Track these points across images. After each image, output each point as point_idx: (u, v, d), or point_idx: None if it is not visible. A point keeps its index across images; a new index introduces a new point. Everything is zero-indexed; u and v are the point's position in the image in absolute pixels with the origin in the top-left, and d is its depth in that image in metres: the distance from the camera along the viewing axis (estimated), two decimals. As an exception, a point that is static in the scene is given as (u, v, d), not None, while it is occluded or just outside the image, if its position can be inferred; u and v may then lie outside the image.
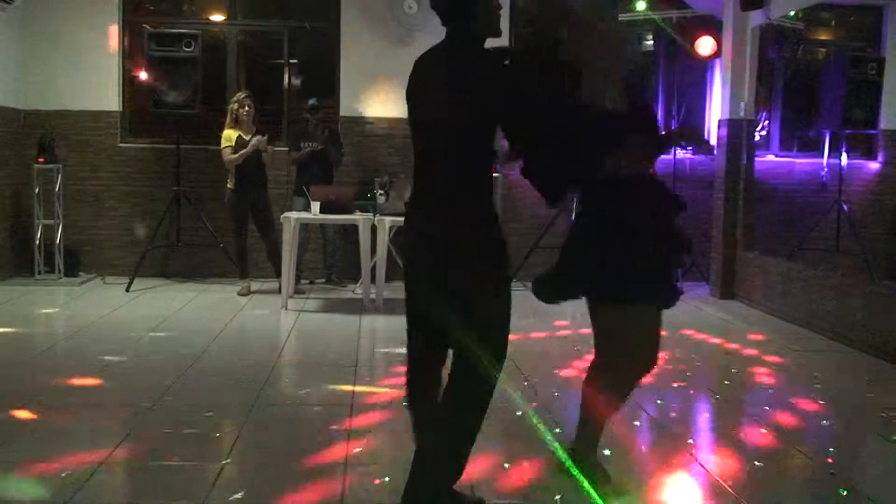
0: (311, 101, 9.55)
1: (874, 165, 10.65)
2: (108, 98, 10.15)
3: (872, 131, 10.22)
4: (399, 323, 8.05)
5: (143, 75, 9.78)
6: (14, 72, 9.81)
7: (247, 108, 9.07)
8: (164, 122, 9.92)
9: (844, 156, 10.09)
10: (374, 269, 8.63)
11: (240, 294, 9.10)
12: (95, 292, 9.24)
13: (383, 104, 10.02)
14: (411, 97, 3.67)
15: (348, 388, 5.63)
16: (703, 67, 10.53)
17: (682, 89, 10.64)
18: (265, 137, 8.98)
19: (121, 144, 10.22)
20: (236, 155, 8.92)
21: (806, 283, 8.12)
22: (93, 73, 10.10)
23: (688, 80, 10.64)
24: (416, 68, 3.67)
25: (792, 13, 9.15)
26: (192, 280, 9.94)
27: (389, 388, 5.65)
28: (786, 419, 5.18)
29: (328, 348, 6.83)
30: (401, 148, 9.81)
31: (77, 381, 5.70)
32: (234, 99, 9.18)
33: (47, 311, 8.28)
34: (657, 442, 4.81)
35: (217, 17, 10.62)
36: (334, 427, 4.78)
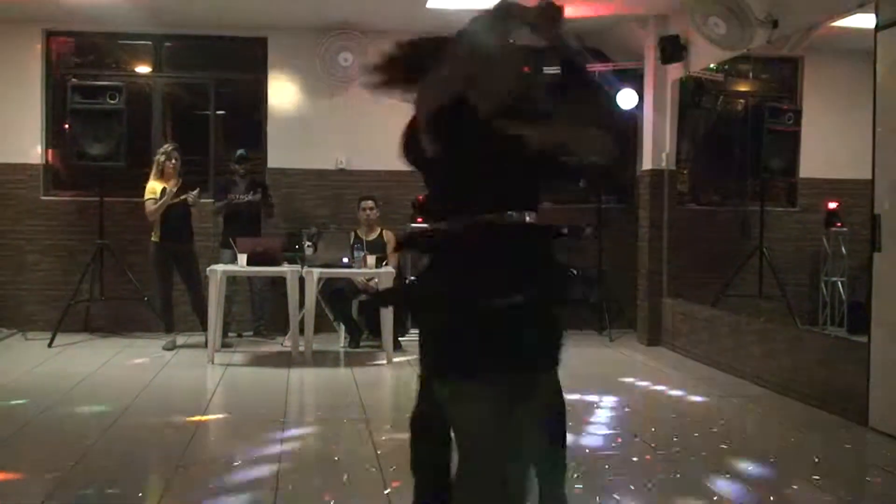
0: (240, 152, 9.52)
1: (794, 212, 10.90)
2: (31, 151, 10.00)
3: (792, 180, 10.46)
4: (327, 375, 8.02)
5: (66, 127, 9.66)
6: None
7: (173, 160, 9.00)
8: (87, 174, 9.79)
9: (764, 204, 10.30)
10: (302, 321, 8.57)
11: (165, 348, 8.96)
12: (16, 348, 9.02)
13: (311, 156, 10.02)
14: None
15: (275, 447, 5.56)
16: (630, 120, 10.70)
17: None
18: (197, 192, 8.91)
19: (43, 197, 10.06)
20: (157, 205, 8.83)
21: (730, 328, 8.26)
22: (14, 126, 9.95)
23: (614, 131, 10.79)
24: None
25: (711, 66, 9.37)
26: (116, 335, 9.76)
27: (318, 442, 5.59)
28: (710, 465, 5.23)
29: (256, 402, 6.75)
30: (329, 199, 9.81)
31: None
32: (161, 151, 9.10)
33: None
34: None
35: (142, 69, 10.56)
36: (262, 484, 4.71)
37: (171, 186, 8.95)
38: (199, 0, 9.11)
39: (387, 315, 8.60)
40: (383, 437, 5.84)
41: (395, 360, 8.57)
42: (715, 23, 7.67)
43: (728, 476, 5.04)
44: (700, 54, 8.88)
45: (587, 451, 5.51)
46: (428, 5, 9.07)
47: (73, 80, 9.70)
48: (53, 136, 10.19)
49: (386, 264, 8.98)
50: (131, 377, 7.59)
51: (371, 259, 8.74)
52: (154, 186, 8.95)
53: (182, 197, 8.85)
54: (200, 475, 4.93)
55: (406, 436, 5.86)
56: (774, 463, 5.34)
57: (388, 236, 9.43)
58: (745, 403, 7.05)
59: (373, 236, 9.40)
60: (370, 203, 9.45)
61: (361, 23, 9.79)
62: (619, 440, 5.83)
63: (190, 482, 4.79)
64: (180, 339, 9.22)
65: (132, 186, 9.61)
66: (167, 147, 9.13)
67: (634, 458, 5.39)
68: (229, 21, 9.81)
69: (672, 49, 9.11)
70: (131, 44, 10.59)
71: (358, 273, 8.85)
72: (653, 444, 5.74)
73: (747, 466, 5.25)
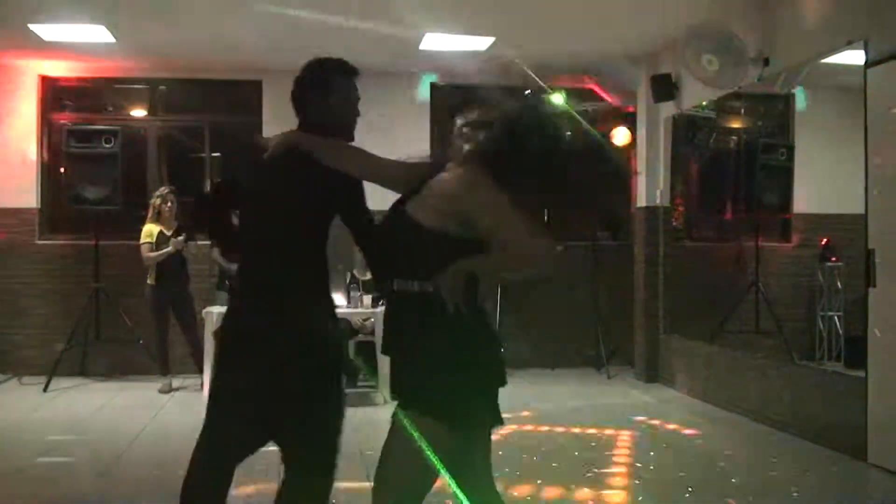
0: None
1: (788, 247, 10.93)
2: (26, 195, 10.02)
3: (786, 215, 10.50)
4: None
5: (61, 171, 9.69)
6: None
7: (170, 203, 9.02)
8: (83, 218, 9.79)
9: (759, 239, 10.33)
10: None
11: (161, 392, 8.92)
12: (11, 393, 8.98)
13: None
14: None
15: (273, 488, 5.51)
16: (624, 157, 10.76)
17: (601, 178, 10.82)
18: (183, 238, 8.92)
19: (39, 242, 10.06)
20: (154, 254, 8.83)
21: (727, 364, 8.26)
22: (10, 170, 9.97)
23: (607, 169, 10.83)
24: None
25: (703, 103, 9.44)
26: (112, 378, 9.72)
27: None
28: (709, 502, 5.21)
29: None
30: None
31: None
32: (157, 194, 9.12)
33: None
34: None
35: (137, 113, 10.60)
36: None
37: (167, 229, 8.96)
38: (194, 44, 9.16)
39: (383, 356, 8.56)
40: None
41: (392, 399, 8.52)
42: (708, 60, 7.72)
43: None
44: (692, 92, 8.94)
45: (585, 489, 5.48)
46: (421, 47, 9.14)
47: (69, 124, 9.74)
48: (49, 180, 10.21)
49: (382, 304, 8.96)
50: (127, 422, 7.54)
51: (367, 299, 8.74)
52: (150, 230, 8.96)
53: (168, 249, 8.83)
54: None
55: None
56: (773, 499, 5.31)
57: (385, 276, 9.42)
58: (743, 440, 7.03)
59: (368, 276, 9.38)
60: (365, 244, 9.42)
61: (356, 65, 9.82)
62: (617, 477, 5.79)
63: None
64: (176, 382, 9.18)
65: (128, 230, 9.62)
66: (163, 190, 9.15)
67: (631, 495, 5.36)
68: (224, 65, 9.86)
69: (664, 87, 9.18)
70: (126, 88, 10.64)
71: (354, 313, 8.84)
72: (650, 481, 5.71)
73: (746, 503, 5.22)
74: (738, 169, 10.30)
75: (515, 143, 3.14)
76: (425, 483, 3.20)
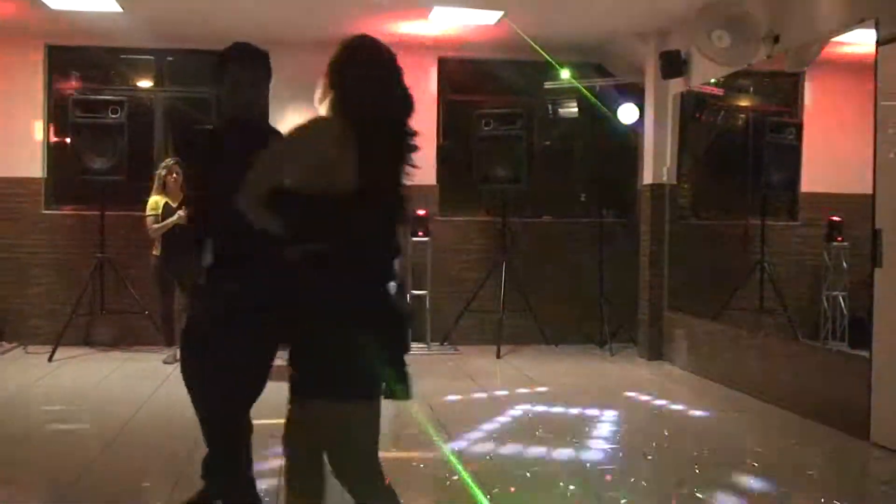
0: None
1: (795, 226, 10.90)
2: (32, 165, 10.01)
3: (792, 194, 10.47)
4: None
5: (67, 142, 9.67)
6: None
7: (175, 175, 9.00)
8: (89, 188, 9.79)
9: (765, 218, 10.31)
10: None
11: (165, 362, 8.93)
12: (17, 362, 9.01)
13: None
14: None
15: (275, 461, 5.53)
16: (631, 134, 10.71)
17: (608, 156, 10.82)
18: (185, 211, 8.91)
19: (44, 211, 10.06)
20: (158, 226, 8.83)
21: (731, 342, 8.26)
22: (16, 140, 9.96)
23: (614, 146, 10.82)
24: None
25: (712, 80, 9.39)
26: (117, 348, 9.75)
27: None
28: (711, 479, 5.22)
29: (256, 416, 6.72)
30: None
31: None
32: (163, 165, 9.10)
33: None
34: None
35: (144, 84, 10.58)
36: (266, 499, 4.69)
37: (173, 201, 8.96)
38: (201, 15, 9.12)
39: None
40: (382, 453, 5.82)
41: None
42: (718, 36, 7.68)
43: (728, 490, 5.03)
44: (701, 69, 8.89)
45: (588, 465, 5.50)
46: (430, 19, 9.10)
47: (75, 94, 9.72)
48: (55, 150, 10.20)
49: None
50: (131, 391, 7.57)
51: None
52: (156, 201, 8.95)
53: (172, 219, 8.81)
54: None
55: (407, 451, 5.88)
56: (775, 477, 5.33)
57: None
58: (745, 418, 7.04)
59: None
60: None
61: (350, 37, 9.78)
62: (620, 455, 5.81)
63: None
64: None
65: (133, 200, 9.59)
66: (168, 161, 9.14)
67: (635, 473, 5.38)
68: (231, 36, 9.76)
69: (673, 64, 9.12)
70: (133, 58, 10.62)
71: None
72: (653, 458, 5.72)
73: (748, 480, 5.24)
74: (745, 147, 10.26)
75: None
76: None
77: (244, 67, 4.03)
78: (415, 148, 3.22)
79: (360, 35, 3.32)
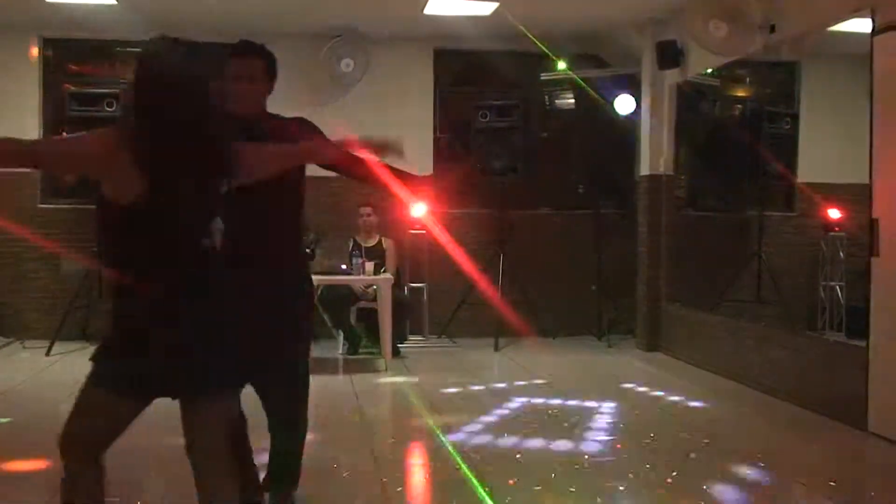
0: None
1: (792, 217, 10.90)
2: (28, 158, 9.98)
3: (789, 184, 10.46)
4: (329, 381, 8.02)
5: (63, 135, 9.64)
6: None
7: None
8: (85, 182, 9.74)
9: (763, 209, 10.31)
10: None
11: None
12: (13, 357, 9.00)
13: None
14: None
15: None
16: (628, 125, 10.69)
17: (605, 147, 10.81)
18: None
19: (40, 205, 10.05)
20: None
21: (729, 333, 8.26)
22: (11, 133, 9.88)
23: (612, 137, 10.81)
24: None
25: (708, 71, 9.38)
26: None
27: (317, 450, 5.58)
28: (708, 470, 5.22)
29: (256, 409, 6.72)
30: (327, 206, 9.79)
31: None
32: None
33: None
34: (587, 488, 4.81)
35: (140, 77, 10.53)
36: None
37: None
38: (197, 6, 9.10)
39: (385, 322, 8.60)
40: (382, 445, 5.84)
41: (394, 366, 8.56)
42: (715, 26, 7.67)
43: (726, 481, 5.03)
44: (698, 59, 8.88)
45: (586, 456, 5.50)
46: (425, 11, 9.08)
47: (70, 87, 9.69)
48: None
49: (384, 271, 8.98)
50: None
51: (369, 265, 8.75)
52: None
53: None
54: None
55: (406, 443, 5.88)
56: (773, 468, 5.33)
57: (388, 243, 9.43)
58: (743, 408, 7.05)
59: (371, 243, 9.39)
60: (368, 209, 9.44)
61: (361, 29, 9.80)
62: (619, 446, 5.81)
63: (190, 491, 4.76)
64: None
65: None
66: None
67: (633, 464, 5.38)
68: (227, 28, 9.77)
69: (669, 54, 9.11)
70: (129, 51, 10.58)
71: (356, 280, 8.84)
72: (651, 450, 5.73)
73: (746, 471, 5.24)
74: (742, 138, 10.25)
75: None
76: None
77: (243, 60, 4.05)
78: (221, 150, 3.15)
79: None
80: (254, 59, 4.07)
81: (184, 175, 3.01)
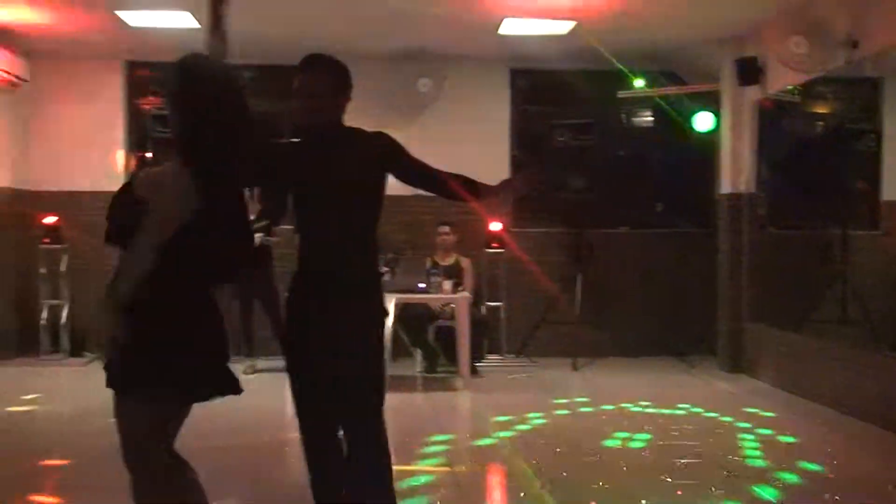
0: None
1: (876, 235, 10.66)
2: (113, 180, 10.21)
3: (873, 202, 10.25)
4: (407, 399, 8.06)
5: (147, 156, 9.88)
6: (19, 154, 9.91)
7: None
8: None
9: (846, 227, 10.10)
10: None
11: (245, 373, 9.04)
12: (100, 372, 9.16)
13: (388, 181, 10.07)
14: None
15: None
16: (707, 143, 10.57)
17: (683, 165, 10.72)
18: (264, 235, 9.03)
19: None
20: None
21: (813, 354, 8.08)
22: (98, 154, 10.19)
23: (691, 155, 10.71)
24: None
25: (790, 87, 9.23)
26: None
27: (399, 469, 5.59)
28: (799, 496, 5.11)
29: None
30: (406, 225, 9.85)
31: (69, 462, 5.64)
32: (238, 179, 9.22)
33: (49, 390, 8.20)
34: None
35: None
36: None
37: (251, 213, 9.07)
38: (276, 30, 9.25)
39: (463, 341, 8.60)
40: (462, 462, 5.83)
41: (472, 384, 8.55)
42: (796, 42, 7.56)
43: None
44: (778, 76, 8.75)
45: (662, 478, 5.42)
46: (500, 31, 9.10)
47: (153, 109, 9.91)
48: (136, 164, 10.42)
49: (462, 290, 8.98)
50: (212, 402, 7.65)
51: (448, 284, 8.76)
52: (234, 215, 9.08)
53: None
54: (282, 501, 4.95)
55: (484, 462, 5.86)
56: (864, 494, 5.20)
57: (465, 262, 9.44)
58: (827, 431, 6.88)
59: (449, 261, 9.41)
60: (446, 228, 9.48)
61: (438, 49, 9.87)
62: (695, 467, 5.72)
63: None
64: (260, 364, 9.30)
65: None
66: (245, 175, 9.25)
67: (708, 485, 5.29)
68: (308, 50, 9.90)
69: (749, 71, 9.00)
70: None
71: (434, 298, 8.86)
72: (734, 473, 5.62)
73: (828, 495, 5.12)
74: (824, 155, 10.08)
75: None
76: None
77: (306, 75, 4.08)
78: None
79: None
80: (315, 74, 4.05)
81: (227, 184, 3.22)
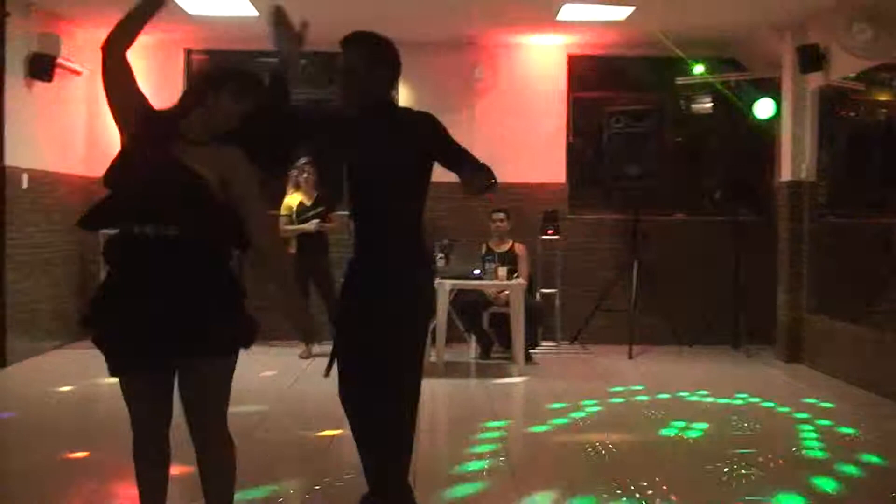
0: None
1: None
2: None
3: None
4: (462, 385, 8.10)
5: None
6: (85, 142, 10.09)
7: (306, 174, 9.21)
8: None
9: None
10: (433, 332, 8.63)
11: (301, 357, 9.14)
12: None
13: (443, 168, 10.08)
14: None
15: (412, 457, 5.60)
16: (765, 130, 10.43)
17: (741, 152, 10.60)
18: (318, 222, 9.12)
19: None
20: (291, 228, 9.05)
21: (875, 345, 7.96)
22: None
23: (750, 142, 10.58)
24: None
25: (852, 75, 9.08)
26: (255, 344, 9.94)
27: (454, 455, 5.62)
28: (859, 488, 5.05)
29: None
30: (460, 211, 9.86)
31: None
32: (295, 165, 9.32)
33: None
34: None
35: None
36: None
37: (307, 199, 9.17)
38: (330, 18, 9.25)
39: (517, 327, 8.60)
40: (517, 449, 5.84)
41: (527, 371, 8.56)
42: (860, 28, 7.43)
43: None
44: (841, 63, 8.61)
45: (719, 467, 5.38)
46: (558, 17, 9.06)
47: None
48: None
49: (516, 276, 8.98)
50: (268, 385, 7.77)
51: (502, 271, 8.76)
52: (290, 201, 9.19)
53: (306, 227, 9.06)
54: (336, 487, 5.00)
55: (538, 447, 5.86)
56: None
57: (520, 249, 9.43)
58: (888, 423, 6.77)
59: (504, 248, 9.41)
60: (501, 215, 9.47)
61: (495, 35, 9.86)
62: (752, 457, 5.67)
63: (328, 494, 4.87)
64: (316, 349, 9.36)
65: (270, 200, 9.80)
66: (301, 161, 9.34)
67: (766, 476, 5.24)
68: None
69: (811, 58, 8.86)
70: (265, 61, 10.86)
71: (489, 285, 8.87)
72: (791, 465, 5.57)
73: (890, 488, 5.06)
74: (887, 143, 9.90)
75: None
76: None
77: (343, 53, 4.09)
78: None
79: None
80: (349, 49, 4.04)
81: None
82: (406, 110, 4.17)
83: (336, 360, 4.14)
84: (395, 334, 3.97)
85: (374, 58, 4.01)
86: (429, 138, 3.99)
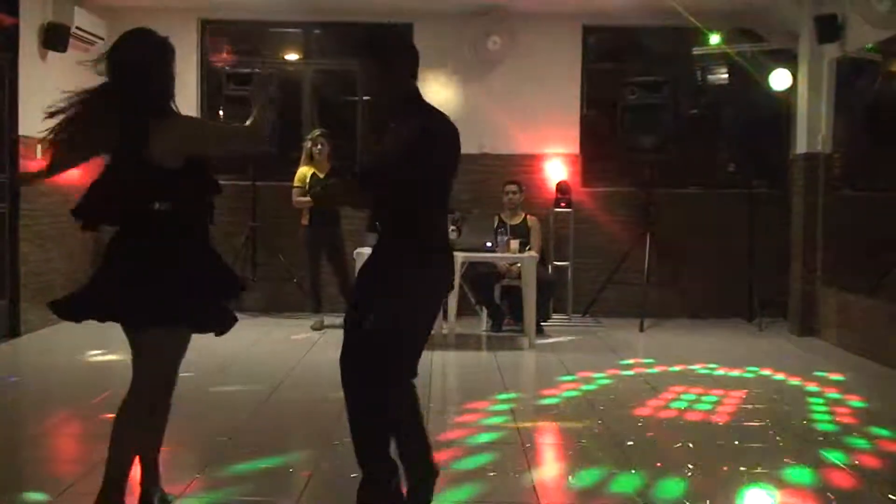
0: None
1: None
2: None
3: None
4: (473, 358, 8.11)
5: (220, 114, 9.97)
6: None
7: (320, 146, 9.20)
8: (241, 159, 10.07)
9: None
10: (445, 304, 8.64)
11: (313, 328, 9.18)
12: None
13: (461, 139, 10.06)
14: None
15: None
16: (781, 101, 10.33)
17: (757, 124, 10.50)
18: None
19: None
20: (304, 199, 9.03)
21: (888, 318, 7.92)
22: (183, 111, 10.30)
23: (765, 114, 10.48)
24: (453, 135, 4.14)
25: (869, 45, 8.98)
26: (267, 314, 10.03)
27: (465, 427, 5.64)
28: (868, 461, 5.04)
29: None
30: (473, 184, 9.84)
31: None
32: (309, 137, 9.31)
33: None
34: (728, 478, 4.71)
35: (292, 57, 10.81)
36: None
37: (320, 172, 9.16)
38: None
39: (529, 300, 8.60)
40: (527, 421, 5.85)
41: (538, 344, 8.56)
42: (878, -1, 7.35)
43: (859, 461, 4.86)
44: (858, 34, 8.52)
45: (729, 440, 5.38)
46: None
47: (227, 67, 10.00)
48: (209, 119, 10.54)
49: (529, 249, 8.96)
50: (281, 356, 7.80)
51: (514, 243, 8.75)
52: (303, 173, 9.18)
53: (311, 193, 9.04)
54: (348, 453, 5.02)
55: (550, 419, 5.87)
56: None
57: (532, 221, 9.41)
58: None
59: (516, 221, 9.39)
60: (514, 187, 9.45)
61: (509, 6, 9.79)
62: (763, 430, 5.67)
63: (340, 459, 4.89)
64: (328, 320, 9.40)
65: (283, 171, 9.83)
66: (315, 133, 9.33)
67: (776, 448, 5.24)
68: (376, 8, 9.93)
69: (829, 28, 8.78)
70: (281, 31, 10.86)
71: (501, 257, 8.87)
72: (799, 436, 5.57)
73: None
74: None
75: None
76: None
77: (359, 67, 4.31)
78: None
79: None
80: (358, 60, 4.18)
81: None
82: (423, 107, 4.22)
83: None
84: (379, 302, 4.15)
85: (377, 54, 4.07)
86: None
